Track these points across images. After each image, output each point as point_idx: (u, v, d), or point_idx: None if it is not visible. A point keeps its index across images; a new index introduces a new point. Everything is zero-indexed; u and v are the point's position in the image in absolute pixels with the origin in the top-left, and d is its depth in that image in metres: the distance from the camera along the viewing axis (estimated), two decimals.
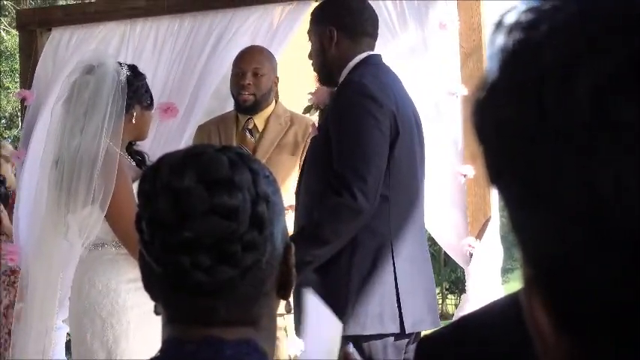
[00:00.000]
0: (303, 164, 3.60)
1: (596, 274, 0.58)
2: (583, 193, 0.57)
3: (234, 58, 4.44)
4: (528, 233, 0.63)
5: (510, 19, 0.64)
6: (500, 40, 0.64)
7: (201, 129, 4.53)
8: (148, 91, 3.92)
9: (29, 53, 4.94)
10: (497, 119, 0.63)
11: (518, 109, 0.61)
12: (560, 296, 0.61)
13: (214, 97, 4.74)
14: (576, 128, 0.58)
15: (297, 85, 4.76)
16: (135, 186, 3.63)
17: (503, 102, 0.62)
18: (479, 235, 4.26)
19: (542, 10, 0.62)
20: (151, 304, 1.40)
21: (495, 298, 3.86)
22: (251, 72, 4.30)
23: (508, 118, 0.61)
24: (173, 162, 1.32)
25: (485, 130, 0.65)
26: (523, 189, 0.61)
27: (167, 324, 1.37)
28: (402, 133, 3.34)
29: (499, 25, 0.64)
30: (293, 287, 1.41)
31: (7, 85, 17.74)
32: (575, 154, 0.58)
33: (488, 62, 0.64)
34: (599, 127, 0.57)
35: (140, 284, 1.39)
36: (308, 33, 3.62)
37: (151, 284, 1.37)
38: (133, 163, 3.87)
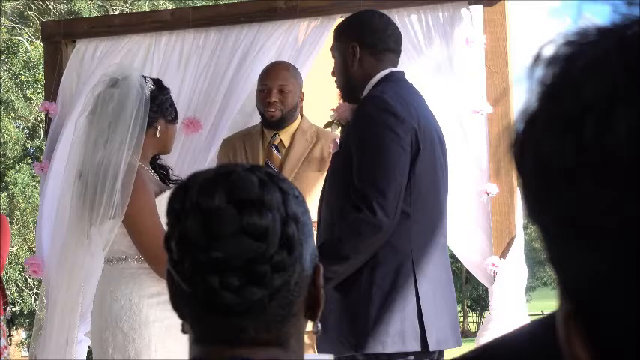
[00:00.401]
0: (324, 180, 3.59)
1: (636, 310, 0.57)
2: (622, 228, 0.56)
3: (259, 73, 4.44)
4: (567, 268, 0.62)
5: (548, 51, 0.63)
6: (539, 72, 0.63)
7: (226, 143, 4.53)
8: (172, 105, 3.91)
9: (53, 65, 4.96)
10: (536, 153, 0.63)
11: (557, 143, 0.60)
12: (600, 332, 0.60)
13: (239, 112, 4.74)
14: (615, 165, 0.57)
15: (321, 100, 4.76)
16: (158, 200, 3.65)
17: (542, 136, 0.62)
18: (503, 254, 4.25)
19: (581, 44, 0.62)
20: (173, 318, 1.39)
21: (519, 317, 3.84)
22: (277, 88, 4.30)
23: (547, 152, 0.61)
24: (203, 181, 1.31)
25: (525, 164, 0.65)
26: (562, 223, 0.60)
27: (194, 343, 1.36)
28: (423, 150, 3.33)
29: (537, 57, 0.64)
30: (321, 308, 1.40)
31: (29, 95, 17.85)
32: (614, 190, 0.57)
33: (527, 94, 0.64)
34: (638, 163, 0.56)
35: (162, 298, 1.38)
36: (331, 49, 3.63)
37: (178, 303, 1.36)
38: (157, 177, 3.87)
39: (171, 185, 3.84)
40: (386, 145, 3.28)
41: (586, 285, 0.60)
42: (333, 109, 4.22)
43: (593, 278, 0.59)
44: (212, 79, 4.70)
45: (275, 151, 4.39)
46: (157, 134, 3.81)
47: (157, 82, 3.88)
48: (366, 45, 3.49)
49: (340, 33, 3.61)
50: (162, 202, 3.61)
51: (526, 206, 0.65)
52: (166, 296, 1.37)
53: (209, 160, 4.60)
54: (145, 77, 3.84)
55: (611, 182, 0.57)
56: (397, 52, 3.56)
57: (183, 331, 1.38)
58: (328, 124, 4.29)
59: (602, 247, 0.58)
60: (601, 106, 0.58)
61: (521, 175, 0.66)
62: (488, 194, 4.27)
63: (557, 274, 0.63)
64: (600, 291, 0.59)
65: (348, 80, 3.55)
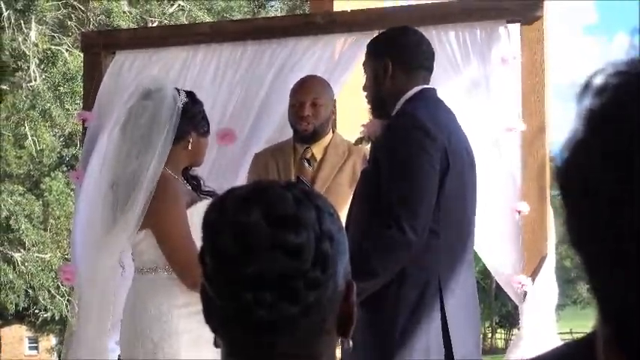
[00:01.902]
0: (353, 197, 3.58)
1: None
2: None
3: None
4: (609, 294, 0.62)
5: (598, 81, 0.64)
6: (588, 101, 0.63)
7: (257, 159, 4.51)
8: (204, 117, 3.94)
9: (92, 75, 4.99)
10: (584, 182, 0.63)
11: (606, 173, 0.60)
12: None
13: (275, 125, 4.74)
14: None
15: (355, 116, 4.76)
16: (189, 211, 3.67)
17: (590, 165, 0.62)
18: (534, 273, 4.23)
19: (631, 74, 0.62)
20: (203, 329, 1.40)
21: (550, 336, 3.81)
22: (309, 102, 4.29)
23: (595, 181, 0.61)
24: (239, 197, 1.32)
25: (571, 192, 0.65)
26: (606, 251, 0.61)
27: (226, 357, 1.37)
28: (452, 168, 3.32)
29: (587, 86, 0.64)
30: (353, 325, 1.40)
31: (67, 106, 17.97)
32: None
33: (575, 122, 0.64)
34: None
35: (192, 309, 1.40)
36: (363, 65, 3.64)
37: (211, 316, 1.37)
38: (189, 187, 3.89)
39: (202, 196, 3.86)
40: (416, 163, 3.28)
41: (628, 312, 0.60)
42: (363, 125, 4.22)
43: (632, 306, 0.59)
44: (247, 92, 4.72)
45: (307, 164, 4.38)
46: (189, 146, 3.83)
47: (190, 94, 3.90)
48: (398, 62, 3.49)
49: (373, 49, 3.62)
50: (193, 214, 3.63)
51: (569, 234, 0.65)
52: (196, 307, 1.39)
53: (241, 173, 4.62)
54: (178, 90, 3.86)
55: None
56: (429, 69, 3.56)
57: (216, 345, 1.39)
58: (358, 141, 4.29)
59: None
60: None
61: (565, 202, 0.66)
62: (519, 212, 4.26)
63: (598, 299, 0.63)
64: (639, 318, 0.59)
65: (379, 96, 3.55)
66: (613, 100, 0.62)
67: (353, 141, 4.43)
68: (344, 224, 3.41)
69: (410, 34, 3.59)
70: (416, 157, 3.28)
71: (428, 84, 3.54)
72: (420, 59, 3.53)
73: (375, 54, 3.57)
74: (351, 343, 1.43)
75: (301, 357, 1.34)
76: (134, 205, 3.66)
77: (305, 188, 1.38)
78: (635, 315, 0.59)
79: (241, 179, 4.56)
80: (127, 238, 3.72)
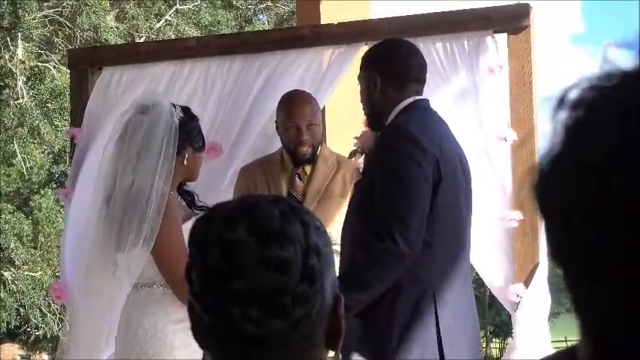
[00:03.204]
0: (347, 208, 3.58)
1: None
2: None
3: (280, 97, 4.41)
4: (588, 309, 0.61)
5: (573, 95, 0.63)
6: (564, 115, 0.63)
7: (245, 172, 4.46)
8: (200, 133, 3.93)
9: (79, 92, 4.98)
10: (562, 195, 0.62)
11: (581, 187, 0.60)
12: None
13: (260, 136, 4.72)
14: (639, 211, 0.57)
15: (345, 128, 4.76)
16: (185, 227, 3.66)
17: (566, 179, 0.61)
18: (527, 281, 4.23)
19: (606, 89, 0.61)
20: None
21: (543, 345, 3.80)
22: (306, 125, 4.25)
23: (571, 195, 0.61)
24: (225, 213, 1.32)
25: (549, 205, 0.64)
26: (582, 265, 0.60)
27: None
28: (445, 179, 3.32)
29: (562, 100, 0.64)
30: (342, 338, 1.40)
31: (55, 123, 17.95)
32: (637, 236, 0.56)
33: (551, 136, 0.64)
34: None
35: (187, 324, 1.38)
36: (358, 78, 3.63)
37: (199, 333, 1.36)
38: (183, 203, 3.89)
39: (196, 211, 3.85)
40: (408, 174, 3.27)
41: (608, 327, 0.59)
42: (356, 138, 4.22)
43: (613, 322, 0.58)
44: (234, 103, 4.71)
45: (297, 179, 4.37)
46: (185, 162, 3.83)
47: (186, 110, 3.90)
48: (387, 75, 3.49)
49: (364, 62, 3.62)
50: (188, 229, 3.61)
51: (548, 246, 0.65)
52: None
53: (226, 183, 4.60)
54: (174, 105, 3.86)
55: (634, 228, 0.57)
56: (421, 80, 3.55)
57: None
58: (352, 154, 4.28)
59: (623, 292, 0.57)
60: (626, 152, 0.58)
61: (543, 214, 0.65)
62: (510, 220, 4.26)
63: (578, 314, 0.63)
64: (620, 335, 0.58)
65: (372, 109, 3.56)
66: (588, 114, 0.62)
67: (342, 153, 4.42)
68: (340, 236, 3.43)
69: (400, 46, 3.58)
70: (407, 169, 3.27)
71: (420, 95, 3.53)
72: (410, 72, 3.52)
73: (366, 67, 3.57)
74: (340, 356, 1.42)
75: None
76: (133, 221, 3.65)
77: (292, 203, 1.37)
78: (616, 330, 0.59)
79: (225, 190, 4.55)
80: (122, 254, 3.70)
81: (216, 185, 4.62)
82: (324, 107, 4.61)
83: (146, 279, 3.71)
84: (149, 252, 3.65)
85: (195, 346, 1.41)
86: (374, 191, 3.30)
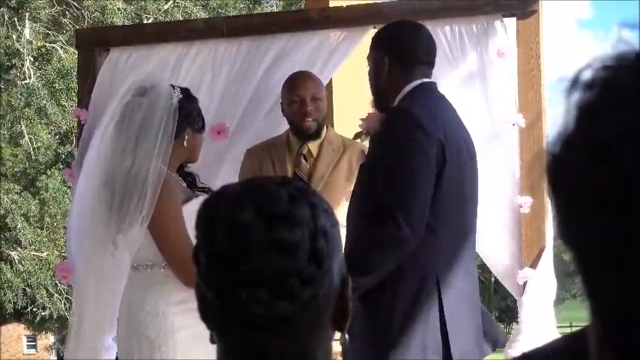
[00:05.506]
0: (352, 191, 3.57)
1: None
2: None
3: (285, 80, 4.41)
4: (599, 291, 0.61)
5: (586, 75, 0.63)
6: (577, 95, 0.62)
7: (250, 154, 4.47)
8: (200, 114, 3.92)
9: (87, 72, 4.97)
10: (574, 176, 0.62)
11: (593, 167, 0.59)
12: (632, 354, 0.59)
13: (265, 121, 4.71)
14: None
15: (353, 110, 4.75)
16: (185, 208, 3.65)
17: (578, 159, 0.61)
18: (533, 266, 4.22)
19: (619, 69, 0.61)
20: (200, 326, 1.40)
21: (548, 330, 3.81)
22: (310, 98, 4.27)
23: (583, 176, 0.60)
24: (232, 195, 1.31)
25: (560, 186, 0.64)
26: (594, 246, 0.60)
27: (222, 356, 1.36)
28: (449, 163, 3.30)
29: (575, 81, 0.63)
30: (349, 321, 1.39)
31: (63, 103, 17.95)
32: None
33: (563, 117, 0.63)
34: None
35: (188, 306, 1.39)
36: (367, 58, 3.62)
37: (207, 315, 1.36)
38: (184, 184, 3.88)
39: (197, 193, 3.85)
40: (411, 158, 3.26)
41: (619, 307, 0.59)
42: (361, 119, 4.21)
43: (625, 304, 0.58)
44: (240, 86, 4.69)
45: (303, 160, 4.36)
46: (185, 143, 3.82)
47: (185, 91, 3.89)
48: (394, 57, 3.48)
49: (373, 42, 3.61)
50: (189, 210, 3.62)
51: (558, 228, 0.64)
52: (193, 304, 1.38)
53: (227, 164, 4.59)
54: (173, 86, 3.85)
55: None
56: (429, 63, 3.53)
57: (212, 341, 1.38)
58: (357, 135, 4.27)
59: (636, 277, 0.57)
60: (638, 132, 0.57)
61: (554, 196, 0.65)
62: (520, 206, 4.25)
63: (591, 294, 0.62)
64: (632, 316, 0.58)
65: (378, 90, 3.55)
66: (601, 95, 0.61)
67: (348, 137, 4.41)
68: (345, 218, 3.42)
69: (409, 28, 3.57)
70: (410, 152, 3.26)
71: (429, 77, 3.51)
72: (418, 54, 3.50)
73: (374, 48, 3.57)
74: (347, 337, 1.42)
75: (297, 352, 1.33)
76: (130, 202, 3.64)
77: (300, 185, 1.37)
78: (626, 310, 0.58)
79: (227, 171, 4.54)
80: (122, 234, 3.70)
81: (219, 166, 4.61)
82: (331, 90, 4.60)
83: (146, 260, 3.71)
84: (145, 231, 3.64)
85: (196, 328, 1.41)
86: (377, 174, 3.29)
